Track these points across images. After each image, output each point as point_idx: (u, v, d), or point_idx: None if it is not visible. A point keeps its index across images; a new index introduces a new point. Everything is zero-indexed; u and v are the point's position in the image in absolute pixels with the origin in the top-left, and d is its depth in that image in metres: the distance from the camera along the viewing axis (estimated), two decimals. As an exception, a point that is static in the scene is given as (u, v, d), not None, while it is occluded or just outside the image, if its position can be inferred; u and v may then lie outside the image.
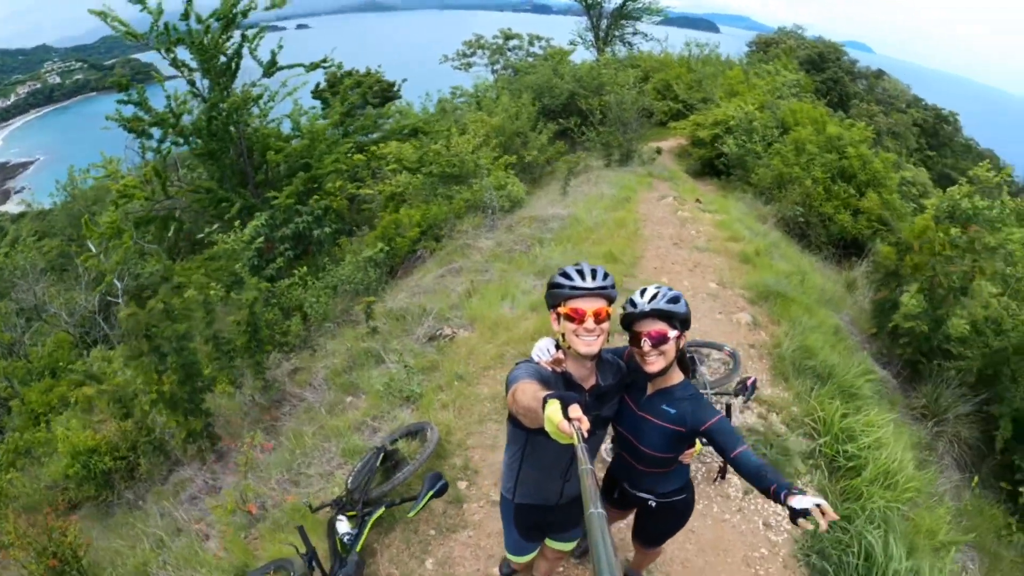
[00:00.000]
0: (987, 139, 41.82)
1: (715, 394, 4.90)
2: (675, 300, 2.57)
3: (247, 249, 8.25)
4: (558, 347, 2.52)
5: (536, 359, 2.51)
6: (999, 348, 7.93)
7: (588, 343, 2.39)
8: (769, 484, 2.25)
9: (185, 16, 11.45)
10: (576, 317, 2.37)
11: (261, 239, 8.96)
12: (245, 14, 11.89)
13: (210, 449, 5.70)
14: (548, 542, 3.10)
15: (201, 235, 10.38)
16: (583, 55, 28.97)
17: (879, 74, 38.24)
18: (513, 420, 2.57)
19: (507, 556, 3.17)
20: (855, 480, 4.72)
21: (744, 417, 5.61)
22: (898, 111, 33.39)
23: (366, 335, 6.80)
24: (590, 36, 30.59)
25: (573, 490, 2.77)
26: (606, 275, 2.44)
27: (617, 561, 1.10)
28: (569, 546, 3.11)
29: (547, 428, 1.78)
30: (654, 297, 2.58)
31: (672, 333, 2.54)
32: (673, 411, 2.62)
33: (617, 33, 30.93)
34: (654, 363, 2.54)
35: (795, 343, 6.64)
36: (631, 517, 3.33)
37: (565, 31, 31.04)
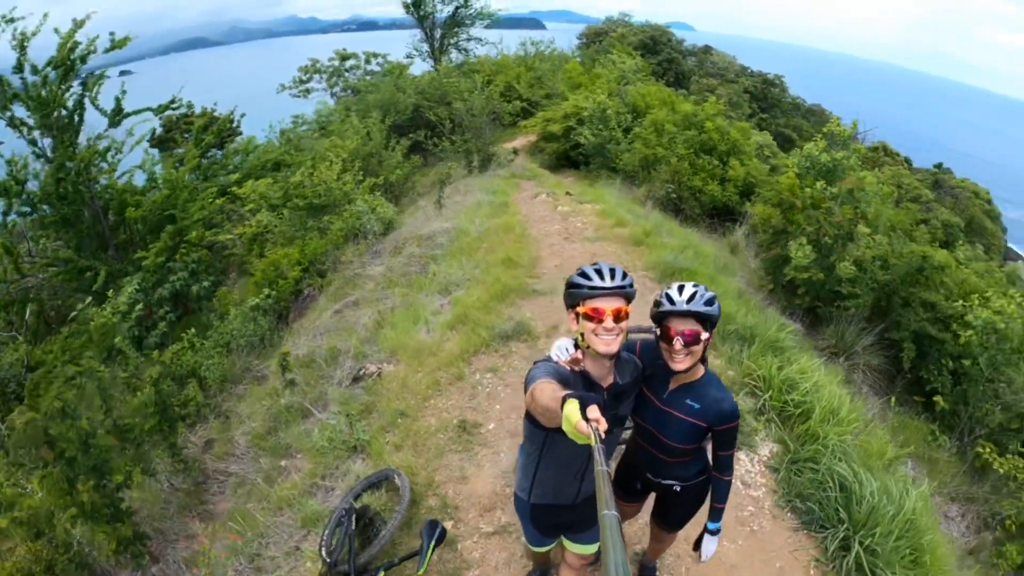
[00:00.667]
0: (812, 96, 46.69)
1: None
2: (711, 302, 2.69)
3: (126, 320, 7.55)
4: (576, 346, 2.59)
5: (555, 358, 2.57)
6: (887, 281, 8.97)
7: (607, 342, 2.46)
8: (719, 502, 2.97)
9: (19, 68, 10.44)
10: (595, 316, 2.45)
11: (140, 306, 8.27)
12: (84, 59, 10.97)
13: (143, 554, 5.09)
14: (568, 544, 3.15)
15: (75, 312, 9.47)
16: (421, 67, 29.75)
17: (707, 49, 41.89)
18: (531, 419, 2.62)
19: (527, 546, 3.24)
20: (807, 424, 5.10)
21: None
22: (728, 82, 36.54)
23: (283, 389, 6.44)
24: (426, 47, 31.20)
25: (590, 489, 2.83)
26: (625, 274, 2.53)
27: (628, 564, 1.15)
28: (591, 548, 3.14)
29: (564, 428, 1.82)
30: (692, 297, 2.68)
31: (704, 335, 2.67)
32: (697, 406, 2.79)
33: (452, 41, 31.75)
34: (682, 362, 2.68)
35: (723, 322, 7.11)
36: (643, 505, 3.47)
37: (400, 45, 31.48)
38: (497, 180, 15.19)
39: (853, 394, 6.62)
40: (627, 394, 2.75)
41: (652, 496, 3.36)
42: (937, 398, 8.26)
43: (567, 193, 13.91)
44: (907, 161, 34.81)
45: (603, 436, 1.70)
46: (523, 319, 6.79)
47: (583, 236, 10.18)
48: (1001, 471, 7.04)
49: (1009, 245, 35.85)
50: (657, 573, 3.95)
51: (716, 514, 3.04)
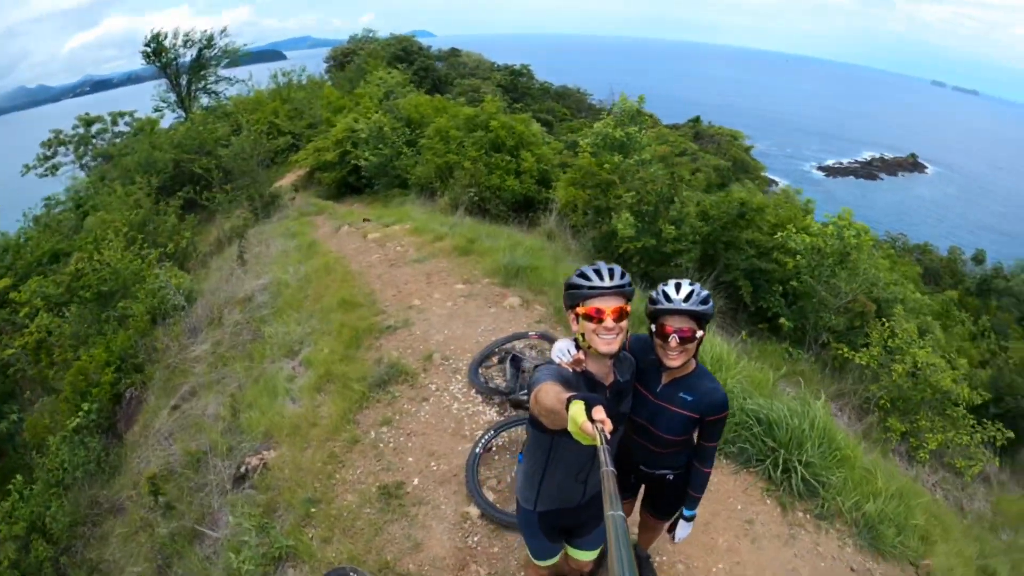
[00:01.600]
0: (560, 78, 50.80)
1: None
2: (706, 301, 2.86)
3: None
4: (578, 347, 2.71)
5: (557, 360, 2.68)
6: (709, 232, 10.11)
7: (608, 342, 2.57)
8: (696, 491, 3.26)
9: None
10: (595, 316, 2.56)
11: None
12: None
13: None
14: (571, 552, 3.27)
15: None
16: (172, 118, 28.36)
17: (454, 52, 43.87)
18: (536, 424, 2.70)
19: (533, 561, 3.26)
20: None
21: None
22: (482, 79, 38.47)
23: (159, 517, 5.68)
24: (173, 97, 29.75)
25: (594, 490, 2.98)
26: (623, 273, 2.66)
27: (634, 563, 1.23)
28: (593, 555, 3.29)
29: (570, 429, 1.89)
30: (689, 296, 2.83)
31: (699, 333, 2.86)
32: (690, 398, 2.99)
33: (200, 86, 30.57)
34: (677, 359, 2.86)
35: None
36: (636, 500, 3.66)
37: (145, 99, 29.73)
38: (288, 222, 14.81)
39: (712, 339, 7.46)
40: (627, 391, 2.90)
41: (642, 487, 3.57)
42: (781, 320, 9.68)
43: (365, 220, 13.83)
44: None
45: (608, 437, 1.77)
46: (392, 359, 6.65)
47: (408, 259, 10.18)
48: (860, 362, 8.54)
49: (766, 175, 41.52)
50: (651, 560, 4.18)
51: (692, 503, 3.34)
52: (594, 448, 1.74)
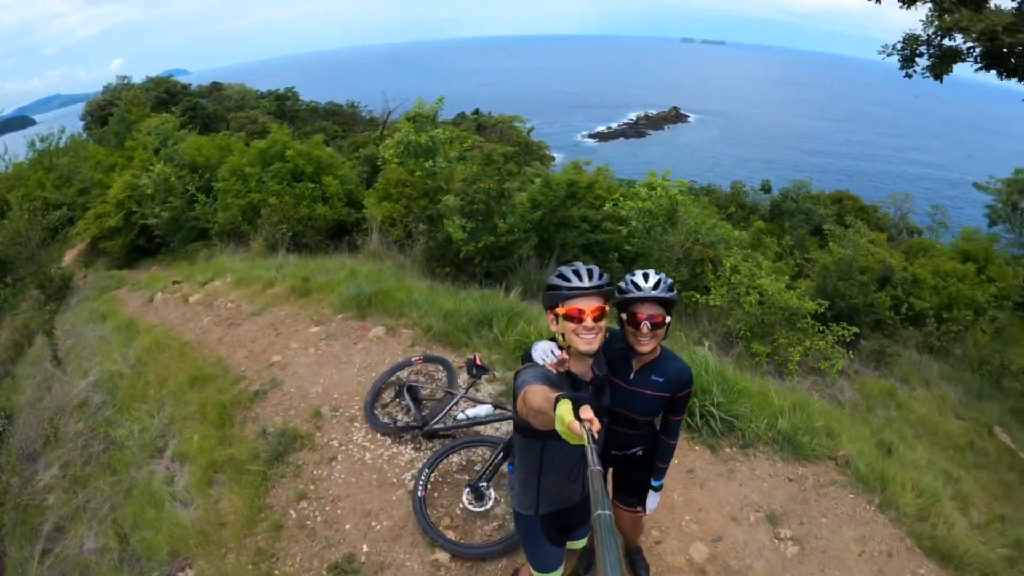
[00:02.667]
0: (326, 95, 50.15)
1: (466, 398, 5.70)
2: (671, 289, 3.07)
3: None
4: (561, 348, 2.77)
5: (540, 362, 2.72)
6: (540, 217, 10.52)
7: (588, 341, 2.70)
8: (663, 462, 3.53)
9: None
10: (576, 317, 2.68)
11: None
12: None
13: None
14: (569, 544, 3.39)
15: None
16: None
17: (217, 86, 42.03)
18: (522, 430, 2.79)
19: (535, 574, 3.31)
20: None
21: (491, 388, 6.33)
22: (251, 108, 37.19)
23: None
24: None
25: (584, 484, 3.06)
26: (601, 274, 2.76)
27: (622, 562, 1.27)
28: (582, 543, 3.47)
29: (557, 428, 1.94)
30: (657, 284, 3.03)
31: (667, 319, 3.07)
32: (661, 379, 3.21)
33: None
34: (648, 344, 3.07)
35: (441, 320, 7.68)
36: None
37: None
38: (91, 304, 13.34)
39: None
40: (606, 385, 3.03)
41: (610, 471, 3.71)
42: None
43: (175, 283, 12.82)
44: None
45: (596, 437, 1.81)
46: (278, 427, 6.14)
47: (245, 314, 9.56)
48: (713, 304, 9.44)
49: (549, 153, 43.70)
50: (641, 550, 4.35)
51: (660, 473, 3.58)
52: (583, 447, 1.76)
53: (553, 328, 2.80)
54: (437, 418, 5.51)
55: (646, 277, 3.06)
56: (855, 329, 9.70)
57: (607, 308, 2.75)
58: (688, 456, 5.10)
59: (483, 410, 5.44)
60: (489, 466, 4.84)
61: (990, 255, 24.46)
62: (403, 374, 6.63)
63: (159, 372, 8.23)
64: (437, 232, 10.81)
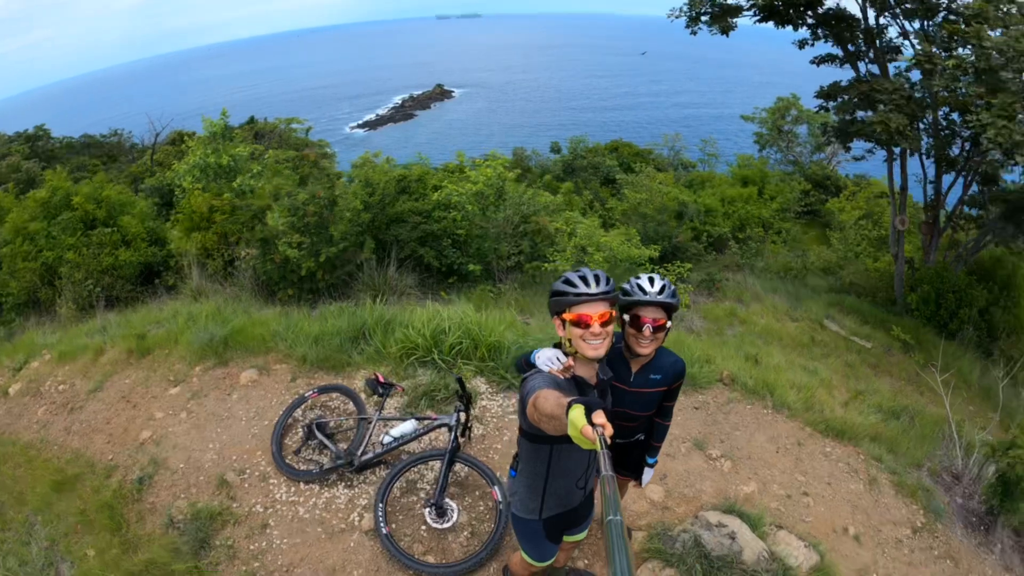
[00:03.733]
0: (80, 129, 45.74)
1: (383, 419, 5.67)
2: (674, 294, 3.22)
3: None
4: (566, 353, 2.84)
5: (546, 369, 2.77)
6: (371, 218, 10.60)
7: (595, 347, 2.73)
8: (658, 441, 3.87)
9: None
10: (582, 323, 2.71)
11: None
12: None
13: None
14: (565, 538, 3.58)
15: None
16: None
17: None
18: (529, 436, 2.89)
19: (531, 563, 3.46)
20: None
21: (396, 402, 6.39)
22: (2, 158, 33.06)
23: None
24: None
25: (590, 486, 3.30)
26: (608, 279, 2.80)
27: (633, 568, 1.29)
28: (582, 536, 3.66)
29: (570, 433, 1.98)
30: (662, 289, 3.19)
31: (669, 324, 3.26)
32: (659, 376, 3.46)
33: None
34: (649, 346, 3.26)
35: (313, 346, 7.41)
36: None
37: None
38: None
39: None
40: (609, 388, 3.11)
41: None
42: (471, 267, 10.64)
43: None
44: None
45: (608, 441, 1.85)
46: (185, 511, 5.48)
47: (84, 392, 8.00)
48: (559, 269, 10.01)
49: (328, 151, 42.86)
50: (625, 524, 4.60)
51: (655, 451, 3.96)
52: (592, 452, 1.86)
53: (560, 333, 2.84)
54: (362, 448, 5.39)
55: (651, 281, 3.22)
56: (688, 265, 10.79)
57: (614, 314, 2.79)
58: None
59: (408, 427, 5.38)
60: (442, 479, 4.87)
61: (766, 176, 27.84)
62: (301, 413, 6.34)
63: (9, 489, 7.10)
64: (273, 255, 10.38)
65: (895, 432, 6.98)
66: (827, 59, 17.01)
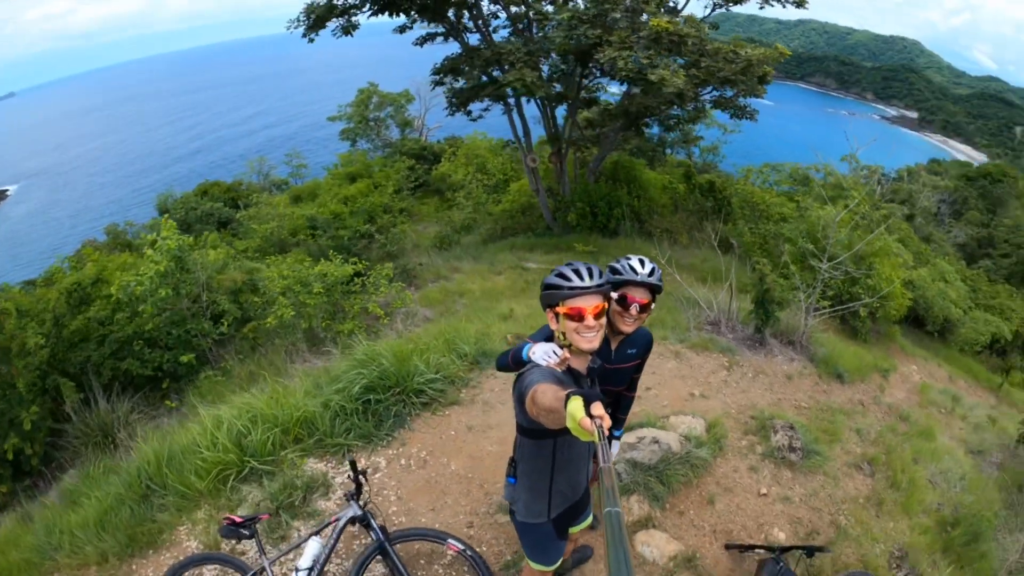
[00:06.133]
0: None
1: (275, 560, 4.57)
2: (660, 277, 3.34)
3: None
4: (560, 346, 2.82)
5: (544, 363, 2.75)
6: (48, 355, 8.79)
7: (589, 339, 2.75)
8: (623, 413, 4.00)
9: None
10: (576, 316, 2.72)
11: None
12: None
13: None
14: (570, 529, 3.56)
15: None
16: None
17: None
18: (531, 433, 2.89)
19: (542, 570, 3.44)
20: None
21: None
22: None
23: None
24: None
25: (590, 474, 3.36)
26: (601, 273, 2.81)
27: (631, 559, 1.36)
28: (587, 522, 3.66)
29: (568, 425, 1.97)
30: (652, 272, 3.28)
31: (653, 305, 3.36)
32: (634, 350, 3.60)
33: None
34: (632, 325, 3.36)
35: (93, 537, 5.10)
36: None
37: None
38: None
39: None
40: (597, 375, 3.11)
41: None
42: (183, 359, 9.27)
43: None
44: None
45: (606, 433, 1.85)
46: None
47: None
48: (284, 317, 9.47)
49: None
50: None
51: (619, 423, 4.06)
52: (593, 444, 1.92)
53: (553, 327, 2.85)
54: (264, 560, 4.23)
55: (642, 263, 3.32)
56: (389, 265, 11.05)
57: (606, 306, 2.81)
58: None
59: (314, 547, 4.10)
60: None
61: (370, 166, 29.34)
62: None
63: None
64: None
65: (654, 318, 8.40)
66: (428, 38, 18.35)
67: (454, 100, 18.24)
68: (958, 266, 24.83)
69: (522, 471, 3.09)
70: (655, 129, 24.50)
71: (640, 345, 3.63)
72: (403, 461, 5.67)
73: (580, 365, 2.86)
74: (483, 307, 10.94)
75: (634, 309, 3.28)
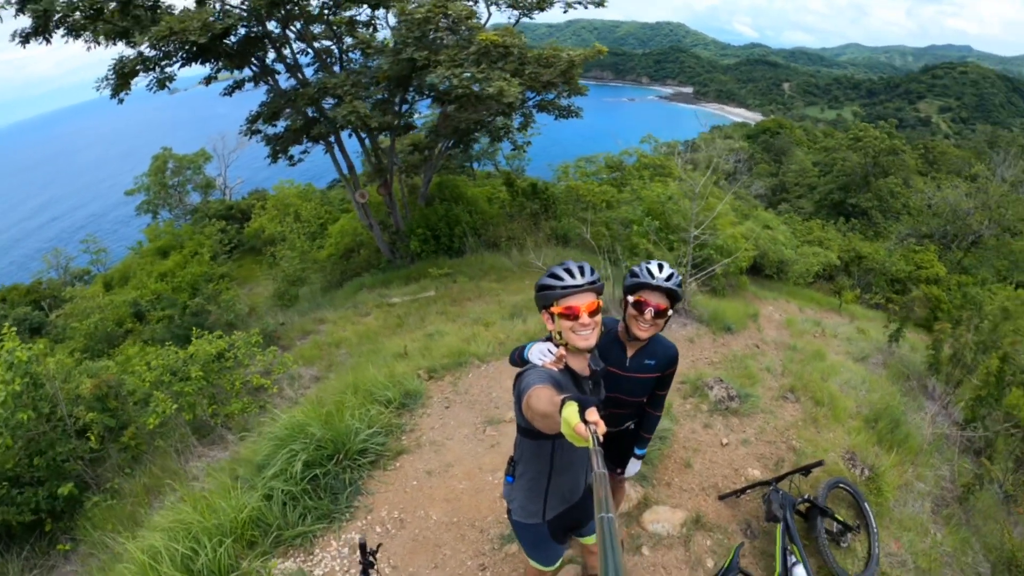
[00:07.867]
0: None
1: None
2: (680, 283, 3.25)
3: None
4: (557, 345, 2.81)
5: (539, 362, 2.77)
6: None
7: (585, 337, 2.75)
8: (648, 432, 3.89)
9: None
10: (571, 314, 2.73)
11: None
12: None
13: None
14: (583, 541, 3.58)
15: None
16: None
17: None
18: (530, 433, 2.88)
19: (540, 569, 3.43)
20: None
21: None
22: None
23: None
24: None
25: (591, 478, 3.26)
26: (592, 270, 2.80)
27: (624, 566, 1.50)
28: (593, 539, 3.53)
29: (563, 430, 1.98)
30: (670, 277, 3.21)
31: (671, 311, 3.28)
32: (653, 362, 3.49)
33: None
34: (648, 330, 3.26)
35: None
36: None
37: None
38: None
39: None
40: (602, 377, 3.08)
41: None
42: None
43: None
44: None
45: (601, 439, 1.84)
46: None
47: None
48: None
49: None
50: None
51: (644, 442, 3.95)
52: (588, 449, 1.85)
53: (549, 327, 2.85)
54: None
55: (660, 267, 3.27)
56: (255, 330, 10.42)
57: (600, 303, 2.83)
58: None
59: None
60: None
61: (179, 235, 27.87)
62: None
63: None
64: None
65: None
66: (237, 86, 17.73)
67: (276, 147, 17.58)
68: (772, 213, 27.41)
69: (520, 471, 3.08)
70: (477, 146, 25.06)
71: (660, 358, 3.55)
72: (379, 528, 5.22)
73: (579, 365, 2.87)
74: (370, 350, 10.58)
75: (649, 313, 3.25)
